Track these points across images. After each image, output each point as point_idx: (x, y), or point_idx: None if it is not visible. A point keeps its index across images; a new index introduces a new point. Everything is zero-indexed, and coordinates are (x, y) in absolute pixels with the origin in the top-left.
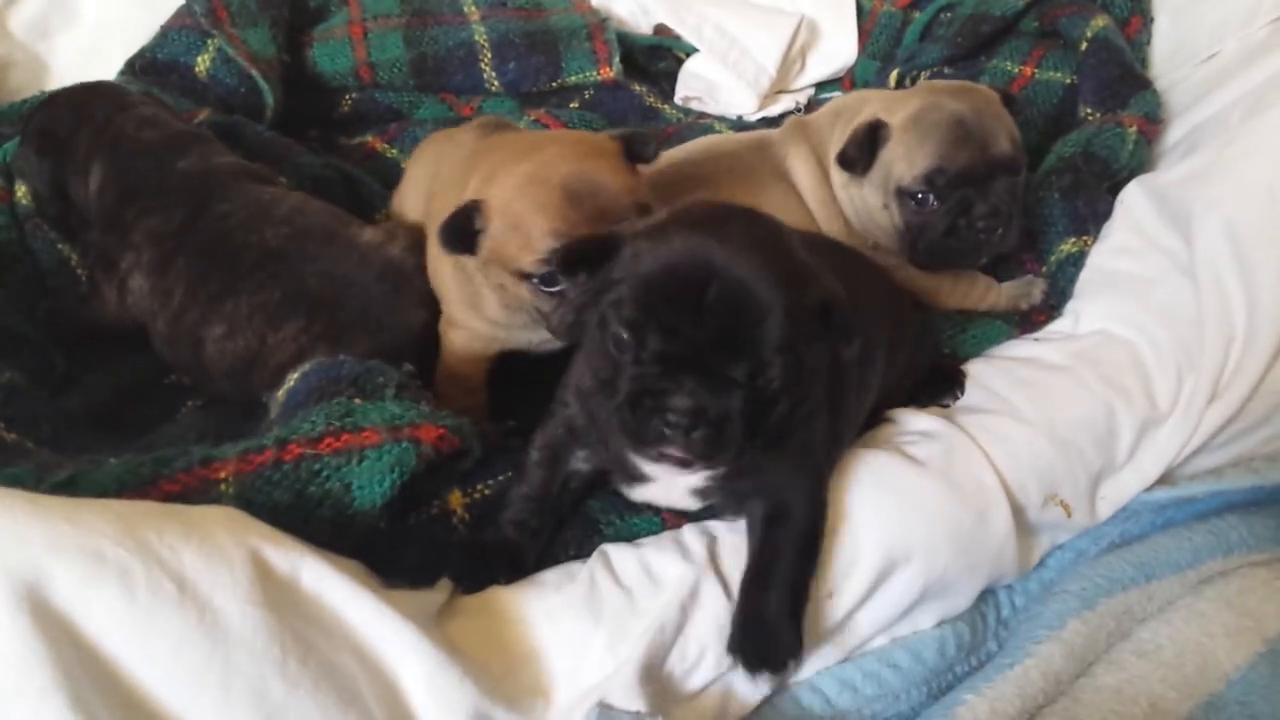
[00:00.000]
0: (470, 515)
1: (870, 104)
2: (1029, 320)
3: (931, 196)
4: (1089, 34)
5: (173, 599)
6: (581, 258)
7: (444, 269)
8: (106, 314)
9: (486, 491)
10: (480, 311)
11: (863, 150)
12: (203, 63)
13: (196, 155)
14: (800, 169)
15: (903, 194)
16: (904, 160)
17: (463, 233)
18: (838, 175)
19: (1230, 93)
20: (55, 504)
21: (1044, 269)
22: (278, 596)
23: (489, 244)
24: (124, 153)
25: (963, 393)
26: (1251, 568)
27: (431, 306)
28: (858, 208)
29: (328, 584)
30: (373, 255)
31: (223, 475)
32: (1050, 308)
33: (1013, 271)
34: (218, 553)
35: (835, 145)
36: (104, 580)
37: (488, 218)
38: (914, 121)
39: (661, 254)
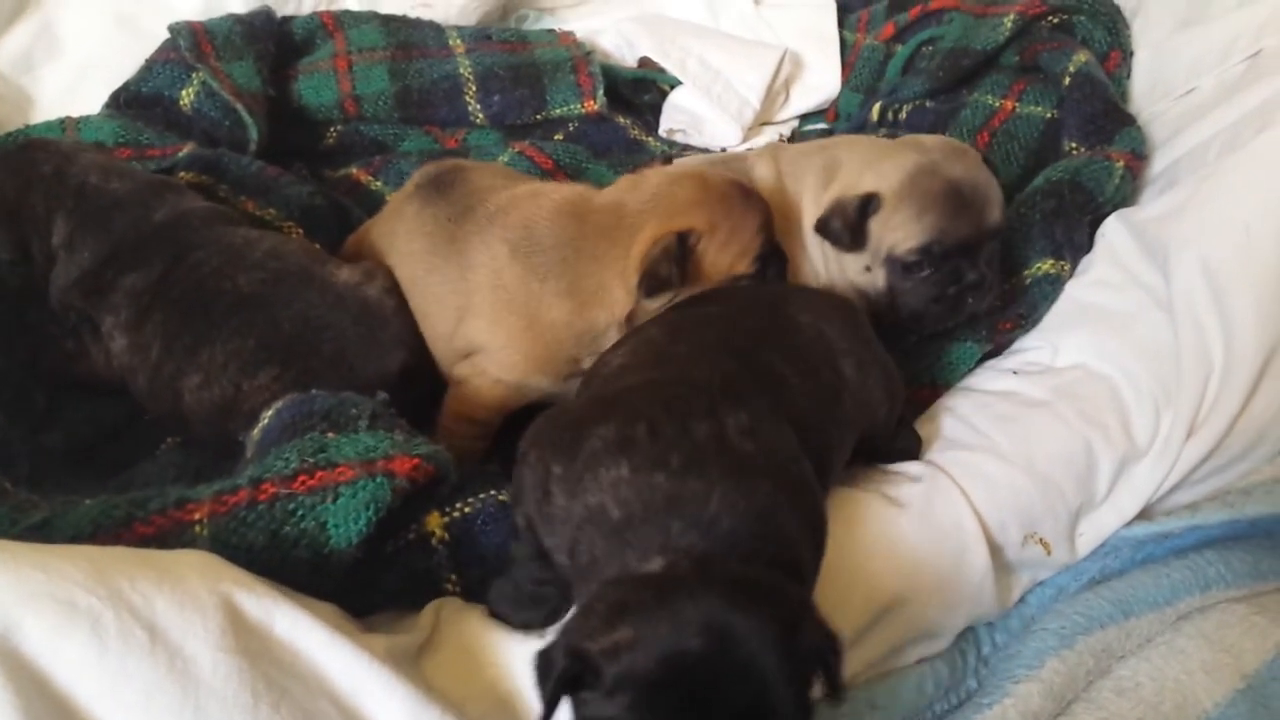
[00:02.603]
0: (450, 534)
1: (854, 157)
2: (996, 329)
3: (926, 265)
4: (1071, 69)
5: (144, 646)
6: None
7: (511, 327)
8: (97, 373)
9: (466, 509)
10: (555, 368)
11: (852, 227)
12: (187, 96)
13: (170, 205)
14: (759, 185)
15: (894, 261)
16: (900, 230)
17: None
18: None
19: (1207, 128)
20: (26, 551)
21: (1014, 279)
22: (250, 643)
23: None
24: (96, 208)
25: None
26: (1229, 603)
27: (410, 346)
28: (828, 260)
29: (302, 629)
30: (349, 296)
31: (197, 517)
32: (1019, 316)
33: None
34: (190, 599)
35: (810, 185)
36: (75, 628)
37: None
38: (910, 188)
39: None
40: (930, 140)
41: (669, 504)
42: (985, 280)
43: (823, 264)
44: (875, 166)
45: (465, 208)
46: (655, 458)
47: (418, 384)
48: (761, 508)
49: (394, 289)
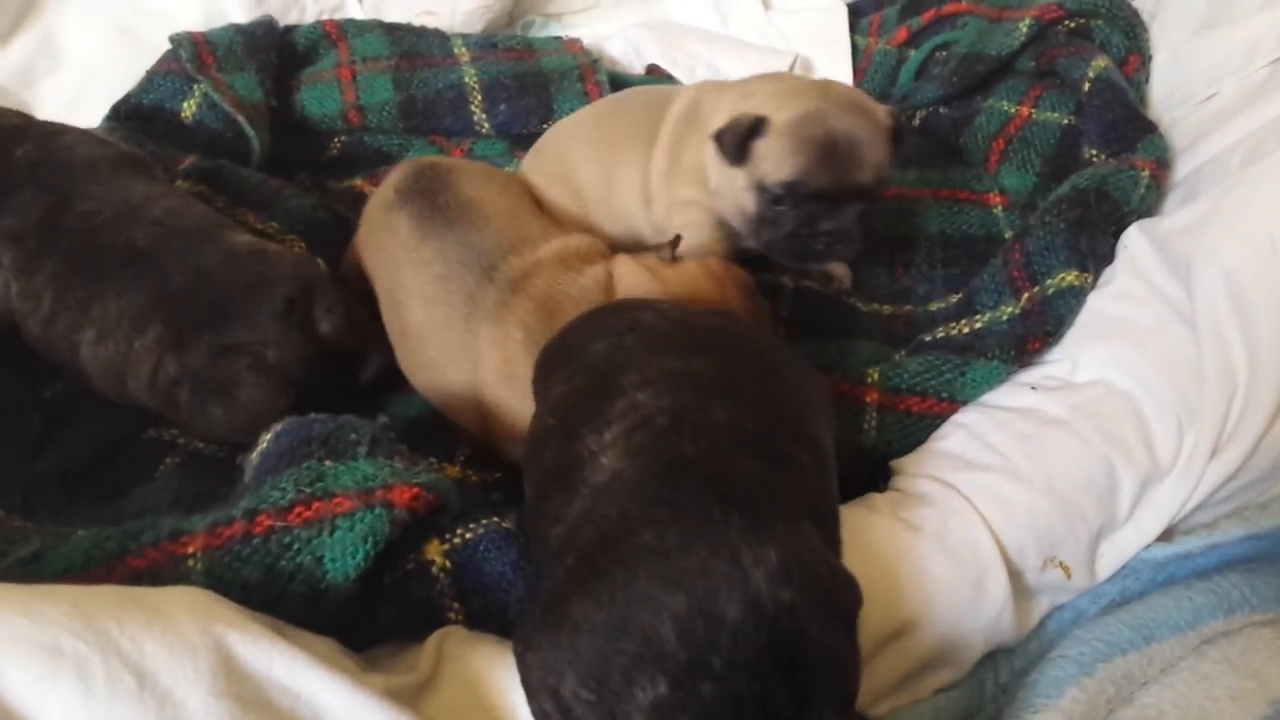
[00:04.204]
0: (451, 562)
1: (767, 91)
2: (1024, 350)
3: (786, 201)
4: (1091, 75)
5: (132, 692)
6: None
7: (525, 413)
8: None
9: (468, 535)
10: None
11: (738, 142)
12: (189, 108)
13: (34, 144)
14: (675, 113)
15: (763, 189)
16: (772, 161)
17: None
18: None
19: (1229, 136)
20: (9, 594)
21: (1036, 290)
22: (244, 688)
23: None
24: None
25: (886, 487)
26: (1255, 627)
27: (298, 279)
28: (721, 172)
29: (299, 670)
30: (245, 253)
31: (191, 550)
32: (1046, 334)
33: (1004, 287)
34: (180, 642)
35: (724, 111)
36: (60, 674)
37: None
38: (794, 128)
39: None
40: (839, 89)
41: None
42: (844, 233)
43: (716, 174)
44: (778, 100)
45: (480, 254)
46: (695, 663)
47: (305, 314)
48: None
49: (302, 258)
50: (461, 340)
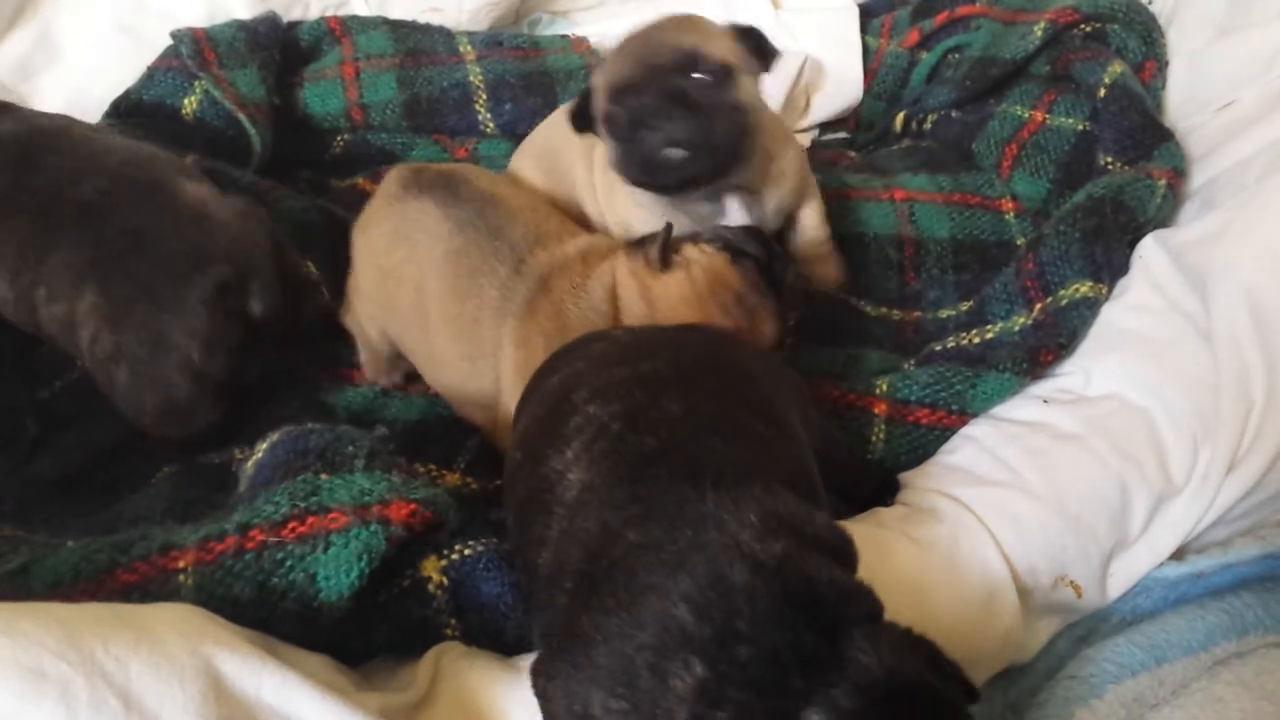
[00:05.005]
0: (449, 579)
1: None
2: (1037, 362)
3: (618, 121)
4: (1107, 80)
5: (117, 715)
6: None
7: None
8: None
9: (466, 552)
10: None
11: (576, 109)
12: (189, 105)
13: (11, 119)
14: None
15: (604, 123)
16: (598, 98)
17: None
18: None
19: (1248, 145)
20: None
21: (1049, 300)
22: (233, 710)
23: None
24: None
25: (894, 501)
26: (1269, 649)
27: (236, 261)
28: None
29: (290, 691)
30: (188, 211)
31: (182, 565)
32: (1059, 346)
33: (1016, 297)
34: (168, 663)
35: None
36: (43, 697)
37: None
38: (607, 64)
39: None
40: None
41: None
42: (677, 130)
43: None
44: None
45: (511, 246)
46: (723, 634)
47: (237, 297)
48: None
49: (250, 214)
50: (489, 336)
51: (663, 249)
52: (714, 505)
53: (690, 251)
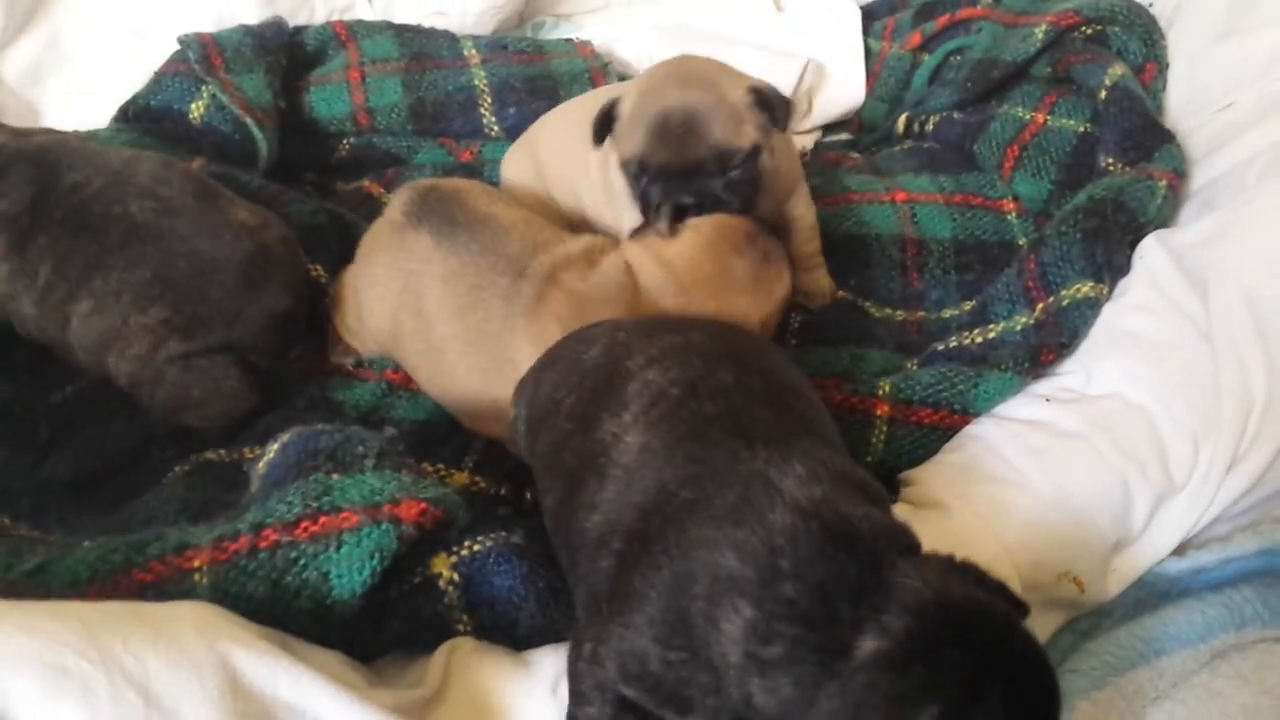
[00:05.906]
0: (460, 575)
1: (643, 73)
2: (1038, 361)
3: (642, 178)
4: (1108, 82)
5: (137, 711)
6: None
7: None
8: None
9: (476, 548)
10: None
11: (598, 125)
12: (197, 109)
13: (10, 132)
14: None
15: (625, 165)
16: (625, 141)
17: None
18: None
19: (1247, 147)
20: (14, 613)
21: (1051, 300)
22: (249, 705)
23: None
24: None
25: (895, 500)
26: (1269, 643)
27: (297, 292)
28: (608, 152)
29: (305, 687)
30: (245, 239)
31: (197, 564)
32: (1061, 345)
33: (1018, 297)
34: (186, 660)
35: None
36: (65, 694)
37: None
38: (636, 109)
39: None
40: (694, 63)
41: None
42: (705, 203)
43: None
44: (638, 81)
45: (510, 260)
46: (766, 574)
47: (297, 321)
48: None
49: (289, 239)
50: (499, 344)
51: (672, 218)
52: (764, 463)
53: (692, 219)
